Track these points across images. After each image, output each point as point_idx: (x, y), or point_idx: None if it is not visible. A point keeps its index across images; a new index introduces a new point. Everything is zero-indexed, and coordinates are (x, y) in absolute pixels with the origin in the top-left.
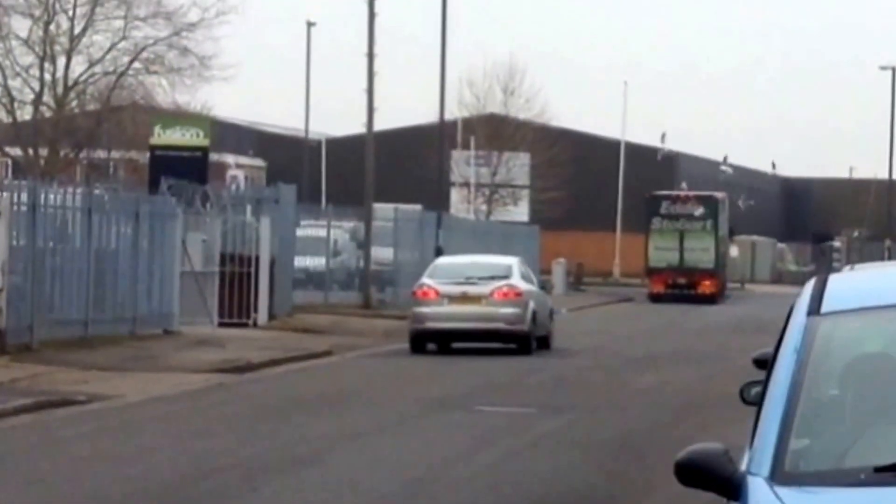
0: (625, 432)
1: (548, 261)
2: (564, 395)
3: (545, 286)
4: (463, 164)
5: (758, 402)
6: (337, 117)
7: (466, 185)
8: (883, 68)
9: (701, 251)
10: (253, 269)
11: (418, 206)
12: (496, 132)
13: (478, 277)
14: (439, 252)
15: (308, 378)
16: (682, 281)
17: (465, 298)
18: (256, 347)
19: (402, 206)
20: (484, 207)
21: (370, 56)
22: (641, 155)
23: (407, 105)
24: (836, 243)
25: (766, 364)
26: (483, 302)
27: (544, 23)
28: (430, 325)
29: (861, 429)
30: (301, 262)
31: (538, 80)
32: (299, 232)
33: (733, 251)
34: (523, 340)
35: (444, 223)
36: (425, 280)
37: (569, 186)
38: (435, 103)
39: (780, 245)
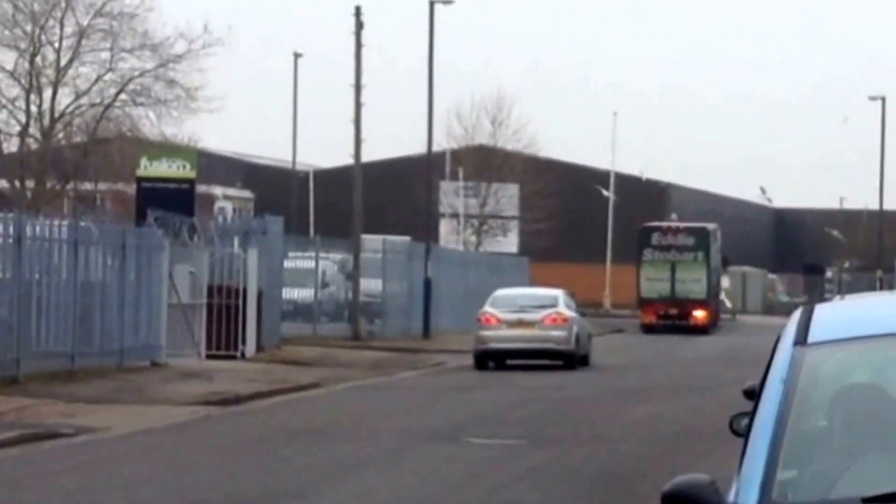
0: (615, 464)
1: None
2: (555, 426)
3: (585, 313)
4: (451, 195)
5: (746, 434)
6: (325, 148)
7: (455, 216)
8: (872, 98)
9: (692, 282)
10: (240, 301)
11: (407, 238)
12: (484, 163)
13: (530, 306)
14: (428, 284)
15: (296, 411)
16: (673, 311)
17: (520, 323)
18: (244, 380)
19: (391, 238)
20: (473, 238)
21: (357, 87)
22: (632, 186)
23: (395, 136)
24: (828, 274)
25: (755, 395)
26: (536, 326)
27: (533, 54)
28: (492, 345)
29: (849, 459)
30: (289, 293)
31: (527, 112)
32: (287, 264)
33: (725, 282)
34: (569, 358)
35: (432, 254)
36: (487, 308)
37: (558, 217)
38: (423, 134)
39: (772, 276)
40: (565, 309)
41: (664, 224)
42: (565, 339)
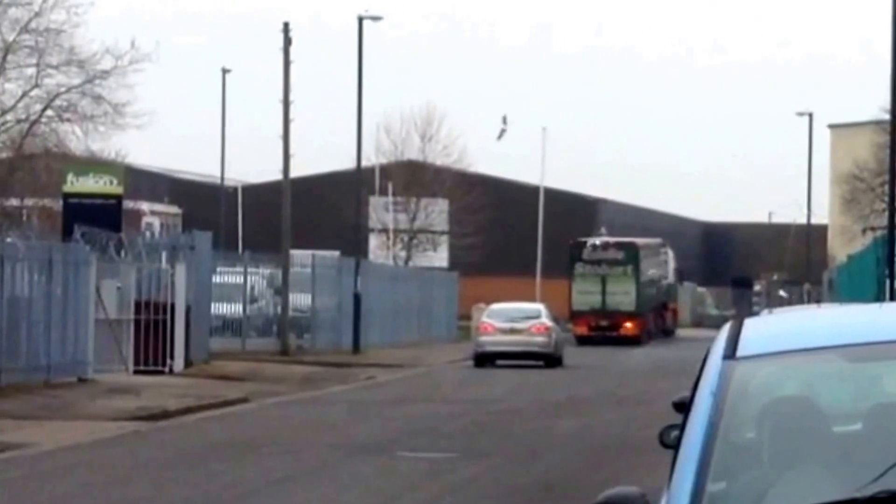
0: (546, 477)
1: (467, 306)
2: (486, 439)
3: (559, 322)
4: (381, 210)
5: (676, 446)
6: (254, 164)
7: (385, 231)
8: (800, 114)
9: (622, 294)
10: (168, 316)
11: (336, 253)
12: (414, 178)
13: (519, 317)
14: (357, 298)
15: (225, 425)
16: (604, 323)
17: (511, 331)
18: (172, 395)
19: (320, 253)
20: (403, 253)
21: (286, 103)
22: (562, 200)
23: (324, 151)
24: (756, 287)
25: (684, 407)
26: (524, 333)
27: (462, 70)
28: (489, 348)
29: (778, 472)
30: (218, 308)
31: (456, 127)
32: (216, 279)
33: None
34: (549, 358)
35: (362, 269)
36: (485, 319)
37: (488, 232)
38: (352, 149)
39: (701, 289)
40: (546, 320)
41: (595, 239)
42: (547, 344)
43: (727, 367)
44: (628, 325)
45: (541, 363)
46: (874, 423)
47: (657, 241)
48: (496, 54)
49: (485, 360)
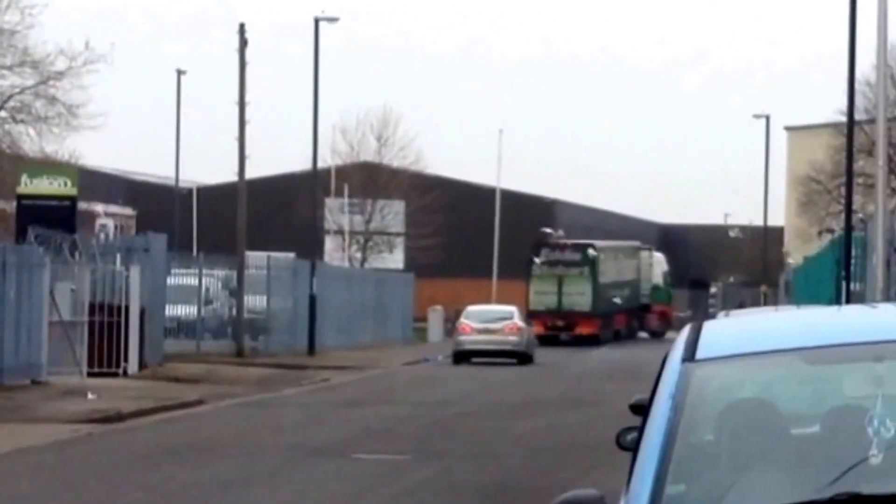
0: (503, 478)
1: (424, 308)
2: (442, 440)
3: (531, 324)
4: (337, 212)
5: (634, 448)
6: (209, 165)
7: (340, 232)
8: (757, 116)
9: (577, 295)
10: (123, 319)
11: (291, 254)
12: (370, 179)
13: (494, 318)
14: (313, 300)
15: (179, 427)
16: (560, 323)
17: (487, 331)
18: (126, 397)
19: (275, 255)
20: (358, 255)
21: (241, 104)
22: (518, 202)
23: (280, 153)
24: (713, 289)
25: (642, 409)
26: (498, 333)
27: (418, 71)
28: (467, 346)
29: (736, 474)
30: (173, 310)
31: (413, 128)
32: (171, 280)
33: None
34: (521, 356)
35: (317, 271)
36: (463, 320)
37: (444, 233)
38: (308, 151)
39: None
40: (519, 321)
41: (553, 240)
42: (519, 343)
43: (686, 369)
44: (584, 324)
45: (514, 360)
46: (832, 426)
47: (632, 243)
48: (452, 57)
49: (463, 357)
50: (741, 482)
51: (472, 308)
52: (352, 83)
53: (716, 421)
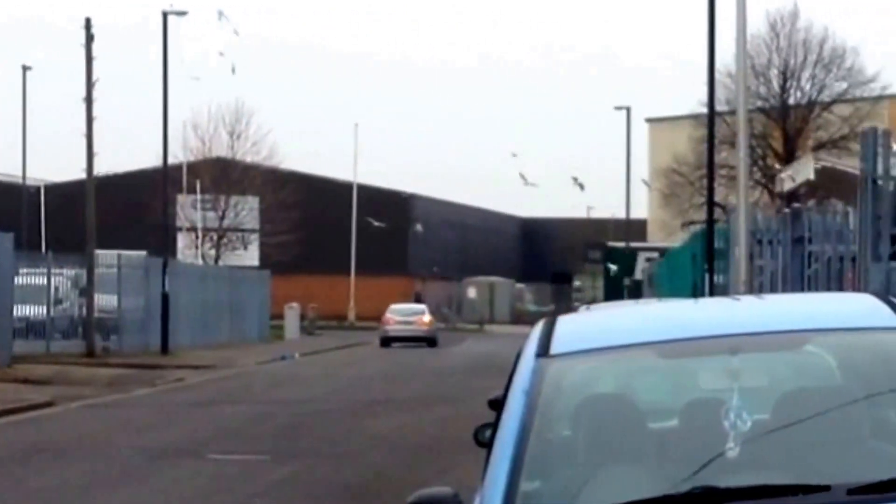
0: (360, 478)
1: (280, 306)
2: (299, 440)
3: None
4: (189, 209)
5: (489, 445)
6: (57, 162)
7: (193, 229)
8: (618, 108)
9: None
10: None
11: (143, 252)
12: (223, 175)
13: (410, 313)
14: (166, 299)
15: (28, 430)
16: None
17: (406, 322)
18: None
19: (126, 253)
20: (212, 252)
21: (89, 100)
22: (375, 196)
23: (130, 149)
24: (576, 283)
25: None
26: (414, 324)
27: (270, 66)
28: (391, 333)
29: (592, 469)
30: (21, 310)
31: (266, 123)
32: (18, 280)
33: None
34: (430, 341)
35: (170, 269)
36: (387, 315)
37: (300, 229)
38: (158, 147)
39: (519, 285)
40: (428, 315)
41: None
42: (429, 331)
43: (540, 364)
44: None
45: (424, 344)
46: (689, 419)
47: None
48: (307, 52)
49: (388, 342)
50: (598, 477)
51: (393, 306)
52: (204, 79)
53: (572, 416)
